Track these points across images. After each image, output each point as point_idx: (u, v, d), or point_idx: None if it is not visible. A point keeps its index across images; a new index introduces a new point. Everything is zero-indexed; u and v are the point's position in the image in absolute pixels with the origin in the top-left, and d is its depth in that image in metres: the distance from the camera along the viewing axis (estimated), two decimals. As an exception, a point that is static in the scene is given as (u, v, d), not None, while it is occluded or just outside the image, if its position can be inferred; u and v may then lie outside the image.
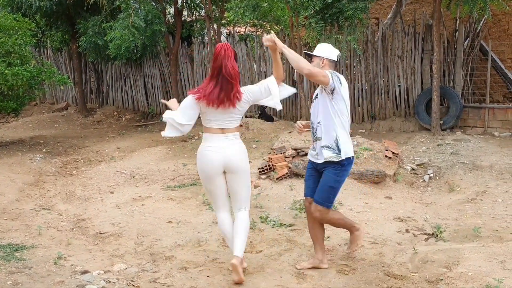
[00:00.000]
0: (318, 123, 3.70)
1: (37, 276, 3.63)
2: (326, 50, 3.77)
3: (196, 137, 9.51)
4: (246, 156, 3.71)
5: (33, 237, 4.66)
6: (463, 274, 3.63)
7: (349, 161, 3.70)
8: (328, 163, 3.67)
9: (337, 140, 3.65)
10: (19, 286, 3.45)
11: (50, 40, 14.28)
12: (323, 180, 3.69)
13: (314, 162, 3.80)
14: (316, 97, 3.79)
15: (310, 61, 3.72)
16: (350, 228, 3.93)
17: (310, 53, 3.81)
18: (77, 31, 11.72)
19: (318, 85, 3.74)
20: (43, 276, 3.64)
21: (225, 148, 3.59)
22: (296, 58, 3.58)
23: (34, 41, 9.76)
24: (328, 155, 3.64)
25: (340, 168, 3.67)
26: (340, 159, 3.64)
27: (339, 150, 3.63)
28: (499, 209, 5.32)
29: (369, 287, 3.57)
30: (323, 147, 3.67)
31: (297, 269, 3.84)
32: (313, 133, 3.78)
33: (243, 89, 3.60)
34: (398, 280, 3.69)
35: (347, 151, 3.67)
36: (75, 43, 12.29)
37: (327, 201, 3.69)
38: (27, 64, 8.85)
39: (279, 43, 3.57)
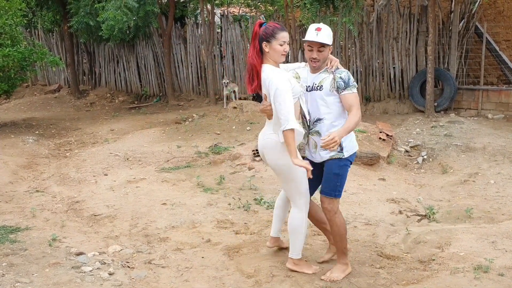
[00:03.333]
0: (320, 119, 3.34)
1: (32, 258, 3.65)
2: (331, 35, 3.33)
3: (190, 119, 9.49)
4: (274, 150, 3.31)
5: (27, 219, 4.65)
6: (455, 254, 3.68)
7: (353, 156, 3.47)
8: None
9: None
10: (14, 267, 3.46)
11: (41, 21, 14.07)
12: (327, 170, 3.38)
13: (312, 161, 3.49)
14: (315, 89, 3.34)
15: (318, 49, 3.25)
16: (343, 250, 3.49)
17: (326, 43, 3.23)
18: (68, 12, 11.54)
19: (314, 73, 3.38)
20: (38, 258, 3.65)
21: (260, 136, 3.47)
22: (354, 127, 3.23)
23: (25, 21, 9.62)
24: (329, 155, 3.36)
25: (343, 159, 3.41)
26: (342, 157, 3.36)
27: (341, 149, 3.34)
28: (491, 191, 5.38)
29: (362, 268, 3.61)
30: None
31: (318, 263, 3.65)
32: (309, 126, 3.40)
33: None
34: (391, 260, 3.73)
35: (353, 148, 3.41)
36: (67, 24, 12.12)
37: (335, 189, 3.36)
38: (18, 45, 8.73)
39: (339, 135, 3.10)
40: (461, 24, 8.91)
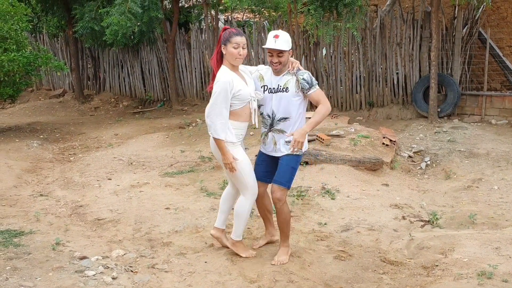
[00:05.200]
0: (285, 118, 3.63)
1: (35, 262, 3.66)
2: (290, 41, 3.61)
3: (193, 124, 9.51)
4: (216, 149, 3.63)
5: (31, 223, 4.67)
6: (459, 260, 3.67)
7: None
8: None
9: None
10: (17, 271, 3.47)
11: (46, 26, 14.14)
12: (284, 162, 3.67)
13: (267, 154, 3.82)
14: (281, 90, 3.61)
15: (277, 54, 3.55)
16: (287, 234, 3.83)
17: (283, 49, 3.52)
18: (73, 17, 11.60)
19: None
20: (41, 262, 3.66)
21: None
22: (322, 117, 3.55)
23: (30, 26, 9.68)
24: (289, 152, 3.64)
25: (300, 156, 3.75)
26: (301, 153, 3.71)
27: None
28: (495, 196, 5.36)
29: (366, 273, 3.60)
30: (288, 142, 3.60)
31: (254, 249, 3.98)
32: (271, 124, 3.69)
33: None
34: (394, 266, 3.73)
35: (306, 146, 3.81)
36: (71, 29, 12.18)
37: (289, 181, 3.69)
38: (23, 50, 8.78)
39: (304, 133, 3.50)
40: (464, 30, 8.91)
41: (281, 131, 3.67)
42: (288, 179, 3.68)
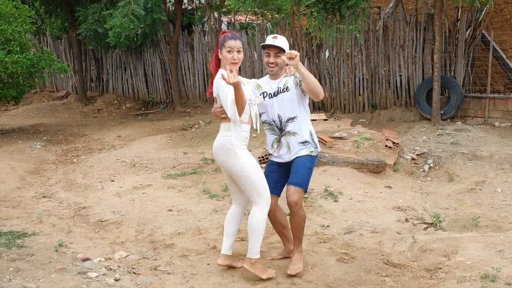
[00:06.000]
0: (292, 118, 3.56)
1: (38, 263, 3.66)
2: (287, 44, 3.56)
3: (196, 126, 9.52)
4: (229, 152, 3.37)
5: (34, 224, 4.68)
6: (462, 263, 3.66)
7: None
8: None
9: (311, 135, 3.64)
10: (20, 273, 3.48)
11: (49, 28, 14.21)
12: (299, 164, 3.56)
13: (280, 162, 3.69)
14: (282, 92, 3.56)
15: (275, 55, 3.51)
16: (301, 239, 3.67)
17: (281, 46, 3.47)
18: (76, 19, 11.66)
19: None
20: (44, 263, 3.67)
21: (215, 140, 3.49)
22: (316, 82, 3.43)
23: (34, 28, 9.71)
24: (309, 150, 3.58)
25: (314, 157, 3.66)
26: (317, 153, 3.65)
27: (315, 144, 3.64)
28: (498, 199, 5.35)
29: (368, 276, 3.59)
30: (302, 142, 3.57)
31: (268, 260, 3.84)
32: (280, 128, 3.60)
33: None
34: (397, 268, 3.71)
35: (318, 144, 3.72)
36: (75, 31, 12.23)
37: (306, 183, 3.55)
38: (27, 52, 8.82)
39: (298, 57, 3.32)
40: (467, 32, 8.89)
41: (293, 134, 3.58)
42: (305, 180, 3.54)
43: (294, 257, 3.64)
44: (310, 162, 3.59)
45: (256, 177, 3.39)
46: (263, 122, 3.69)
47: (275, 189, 3.66)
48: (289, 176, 3.59)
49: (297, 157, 3.59)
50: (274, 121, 3.62)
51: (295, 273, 3.53)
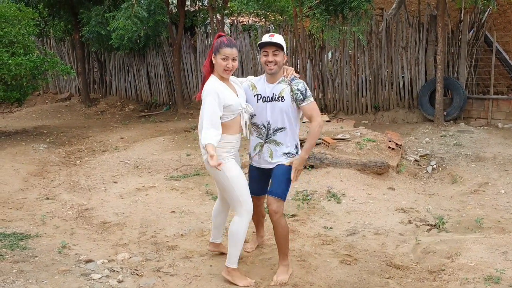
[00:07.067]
0: (281, 129, 3.50)
1: (41, 265, 3.67)
2: (284, 42, 3.49)
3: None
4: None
5: (38, 226, 4.69)
6: (465, 264, 3.65)
7: None
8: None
9: (297, 147, 3.59)
10: (24, 274, 3.48)
11: (53, 30, 14.25)
12: (280, 173, 3.51)
13: (260, 168, 3.65)
14: (276, 100, 3.48)
15: (273, 53, 3.42)
16: (286, 252, 3.60)
17: (279, 42, 3.40)
18: (80, 21, 11.69)
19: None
20: (47, 265, 3.68)
21: None
22: (317, 137, 3.47)
23: (37, 31, 9.75)
24: (287, 161, 3.53)
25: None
26: None
27: (298, 155, 3.57)
28: (502, 201, 5.33)
29: (372, 277, 3.59)
30: (286, 153, 3.53)
31: (247, 252, 3.97)
32: (267, 135, 3.54)
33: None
34: (400, 270, 3.71)
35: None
36: (78, 33, 12.26)
37: (285, 192, 3.52)
38: (30, 54, 8.84)
39: (303, 161, 3.47)
40: (470, 34, 8.88)
41: (278, 143, 3.52)
42: (284, 190, 3.50)
43: (279, 269, 3.59)
44: (290, 172, 3.50)
45: (237, 188, 3.37)
46: (251, 124, 3.62)
47: (261, 192, 3.72)
48: (270, 183, 3.61)
49: (278, 165, 3.54)
50: (263, 126, 3.54)
51: (277, 284, 3.46)
